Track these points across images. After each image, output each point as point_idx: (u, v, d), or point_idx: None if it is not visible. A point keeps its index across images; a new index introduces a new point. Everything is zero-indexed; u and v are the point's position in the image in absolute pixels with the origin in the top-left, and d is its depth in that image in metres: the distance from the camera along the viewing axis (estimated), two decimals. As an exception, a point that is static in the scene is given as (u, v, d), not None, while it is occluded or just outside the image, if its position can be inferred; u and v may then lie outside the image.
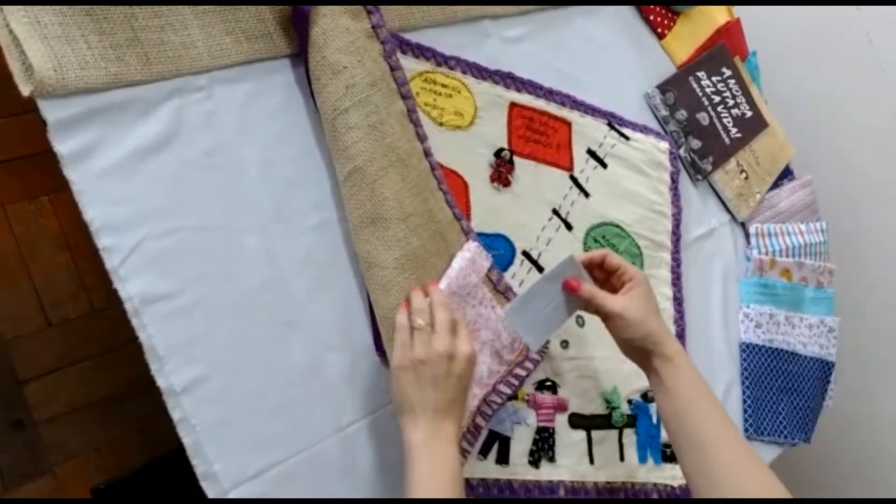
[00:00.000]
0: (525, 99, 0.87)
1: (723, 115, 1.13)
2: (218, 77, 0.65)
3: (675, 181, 1.02)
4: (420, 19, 0.79)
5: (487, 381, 0.75)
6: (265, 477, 0.63)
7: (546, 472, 0.79)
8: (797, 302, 1.13)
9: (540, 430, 0.80)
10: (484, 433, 0.75)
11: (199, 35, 0.63)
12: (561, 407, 0.82)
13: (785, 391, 1.07)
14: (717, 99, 1.12)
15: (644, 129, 1.01)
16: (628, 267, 0.73)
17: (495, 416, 0.76)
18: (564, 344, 0.84)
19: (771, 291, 1.10)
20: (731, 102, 1.14)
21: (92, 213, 0.57)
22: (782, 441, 1.06)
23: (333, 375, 0.68)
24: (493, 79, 0.85)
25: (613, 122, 0.97)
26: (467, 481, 0.73)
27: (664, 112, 1.05)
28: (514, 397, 0.77)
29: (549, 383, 0.81)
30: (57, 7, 0.56)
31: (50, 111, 0.56)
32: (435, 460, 0.60)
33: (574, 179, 0.91)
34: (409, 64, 0.76)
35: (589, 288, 0.72)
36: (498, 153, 0.83)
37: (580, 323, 0.86)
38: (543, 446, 0.79)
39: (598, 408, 0.85)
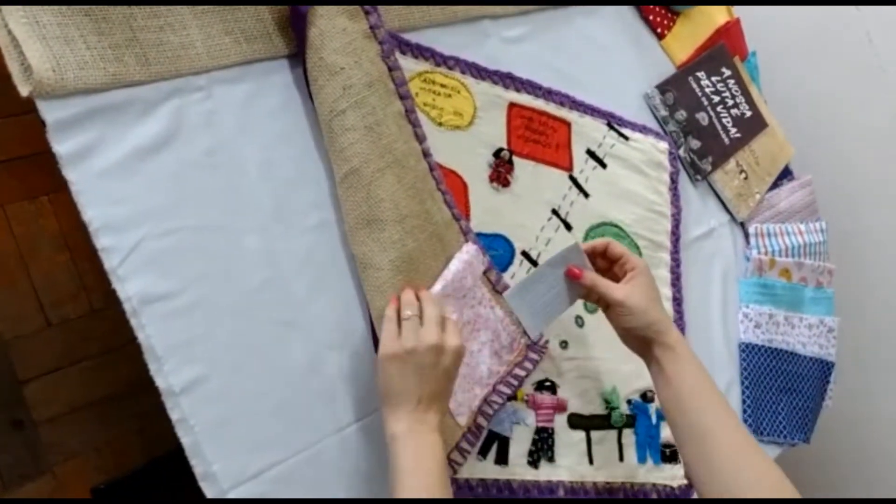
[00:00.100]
0: (524, 99, 0.87)
1: (722, 115, 1.13)
2: (217, 77, 0.65)
3: (674, 181, 1.02)
4: (420, 19, 0.79)
5: (488, 382, 0.75)
6: (264, 477, 0.62)
7: (545, 473, 0.79)
8: (797, 302, 1.13)
9: (539, 431, 0.80)
10: (484, 433, 0.75)
11: (198, 35, 0.63)
12: (560, 407, 0.82)
13: (784, 391, 1.07)
14: (716, 99, 1.12)
15: (643, 130, 1.01)
16: (631, 256, 0.73)
17: (495, 416, 0.76)
18: (564, 344, 0.84)
19: (770, 291, 1.10)
20: (730, 102, 1.14)
21: (91, 213, 0.57)
22: (782, 441, 1.06)
23: (333, 375, 0.68)
24: (492, 79, 0.85)
25: (613, 122, 0.97)
26: (467, 482, 0.73)
27: (664, 112, 1.05)
28: (513, 397, 0.77)
29: (548, 383, 0.81)
30: (56, 7, 0.56)
31: (49, 111, 0.56)
32: (418, 450, 0.60)
33: (573, 179, 0.91)
34: (409, 64, 0.76)
35: (591, 276, 0.72)
36: (497, 153, 0.83)
37: (579, 323, 0.86)
38: (543, 446, 0.79)
39: (597, 408, 0.85)
